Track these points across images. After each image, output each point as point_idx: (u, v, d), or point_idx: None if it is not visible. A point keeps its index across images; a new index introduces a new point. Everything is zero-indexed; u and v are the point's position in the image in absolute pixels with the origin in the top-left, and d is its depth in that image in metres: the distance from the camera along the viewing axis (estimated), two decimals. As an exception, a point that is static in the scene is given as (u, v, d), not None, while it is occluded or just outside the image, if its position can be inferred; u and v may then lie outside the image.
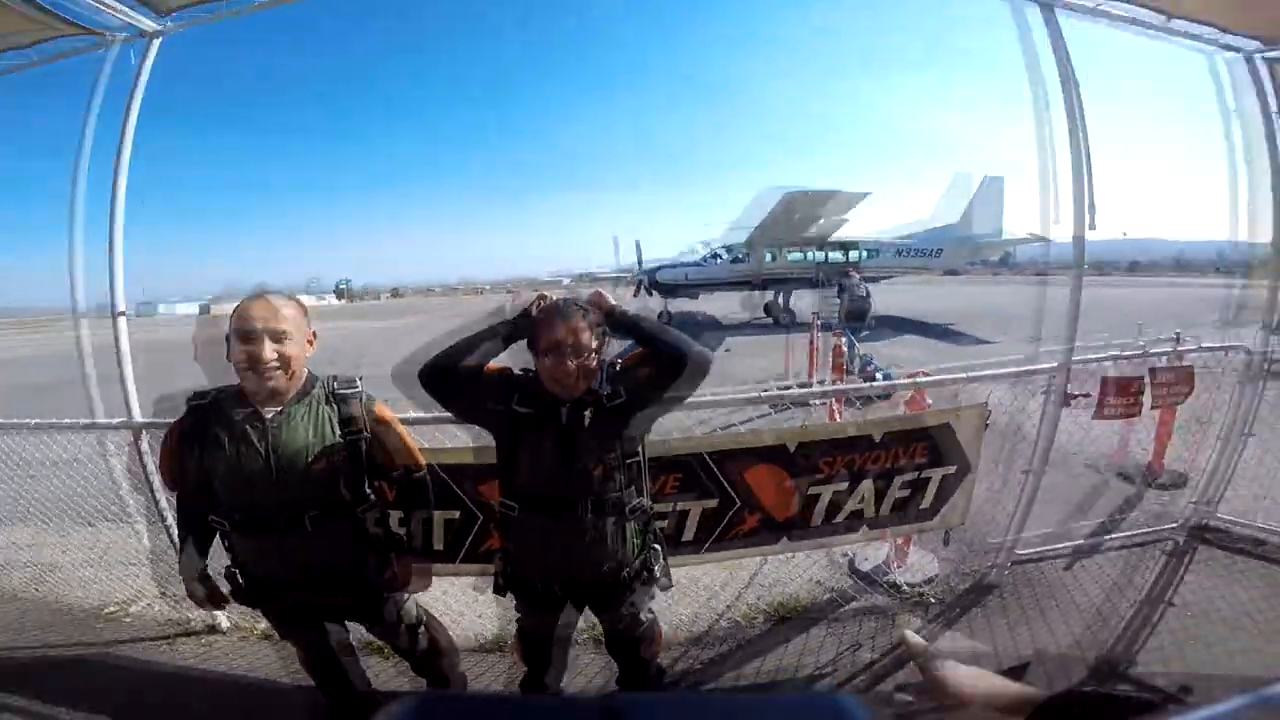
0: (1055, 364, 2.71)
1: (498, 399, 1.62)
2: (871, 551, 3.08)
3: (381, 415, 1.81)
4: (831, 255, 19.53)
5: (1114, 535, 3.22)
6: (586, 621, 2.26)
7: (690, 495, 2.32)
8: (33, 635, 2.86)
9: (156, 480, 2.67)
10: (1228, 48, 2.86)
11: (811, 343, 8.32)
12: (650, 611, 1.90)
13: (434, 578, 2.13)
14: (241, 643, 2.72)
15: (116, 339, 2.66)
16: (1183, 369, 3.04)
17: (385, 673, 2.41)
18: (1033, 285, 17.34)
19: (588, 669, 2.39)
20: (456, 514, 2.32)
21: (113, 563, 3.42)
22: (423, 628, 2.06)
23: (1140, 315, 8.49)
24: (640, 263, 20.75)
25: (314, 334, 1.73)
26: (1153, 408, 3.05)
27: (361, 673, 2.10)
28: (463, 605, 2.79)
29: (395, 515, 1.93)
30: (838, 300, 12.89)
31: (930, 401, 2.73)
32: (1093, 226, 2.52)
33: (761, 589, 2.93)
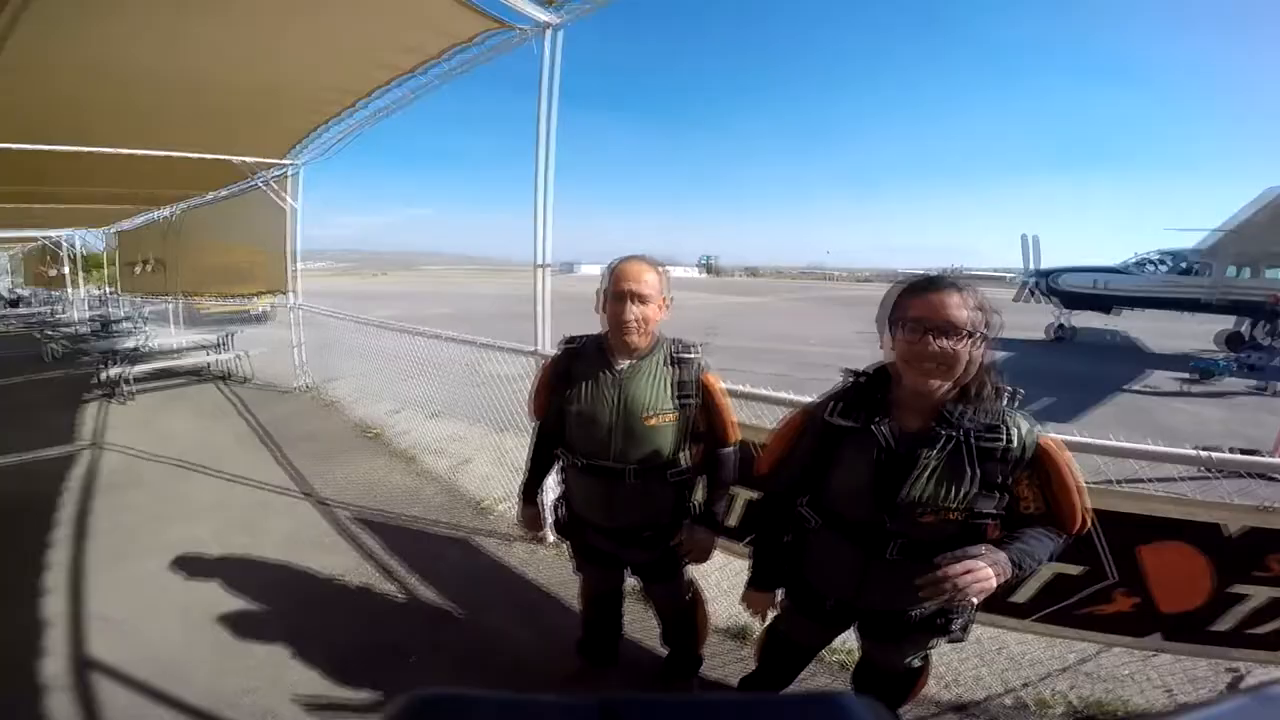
0: None
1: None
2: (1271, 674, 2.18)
3: (709, 384, 1.82)
4: None
5: None
6: (842, 643, 2.14)
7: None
8: (437, 511, 3.92)
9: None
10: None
11: None
12: (923, 659, 1.61)
13: (714, 554, 2.05)
14: (556, 559, 3.28)
15: (536, 286, 3.31)
16: None
17: (636, 624, 2.54)
18: None
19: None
20: (755, 494, 2.31)
21: (505, 466, 4.40)
22: (691, 595, 2.14)
23: None
24: (1030, 262, 17.28)
25: (670, 299, 1.80)
26: None
27: (621, 620, 2.26)
28: (722, 589, 2.85)
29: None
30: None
31: None
32: None
33: (1081, 678, 2.29)
